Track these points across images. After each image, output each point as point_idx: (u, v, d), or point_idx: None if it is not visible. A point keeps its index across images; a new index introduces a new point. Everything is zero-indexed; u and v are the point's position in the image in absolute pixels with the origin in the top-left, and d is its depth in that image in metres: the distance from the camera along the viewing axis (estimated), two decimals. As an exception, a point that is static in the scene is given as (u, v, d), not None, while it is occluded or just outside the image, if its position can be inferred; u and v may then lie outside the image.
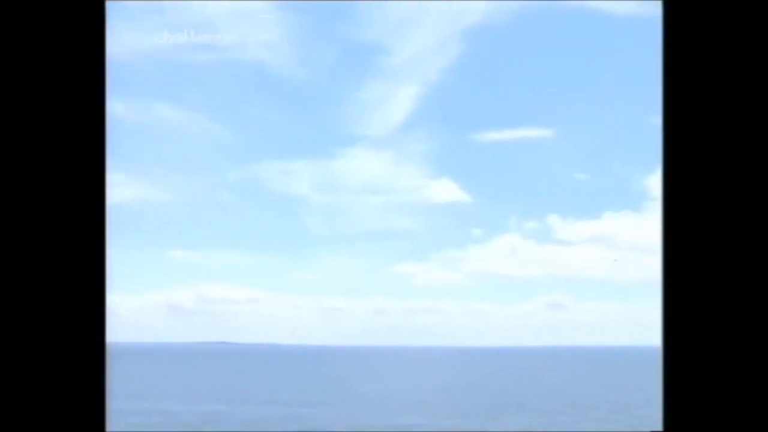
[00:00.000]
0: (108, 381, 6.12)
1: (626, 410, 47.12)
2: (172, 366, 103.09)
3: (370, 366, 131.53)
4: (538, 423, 41.17)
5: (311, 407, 47.00)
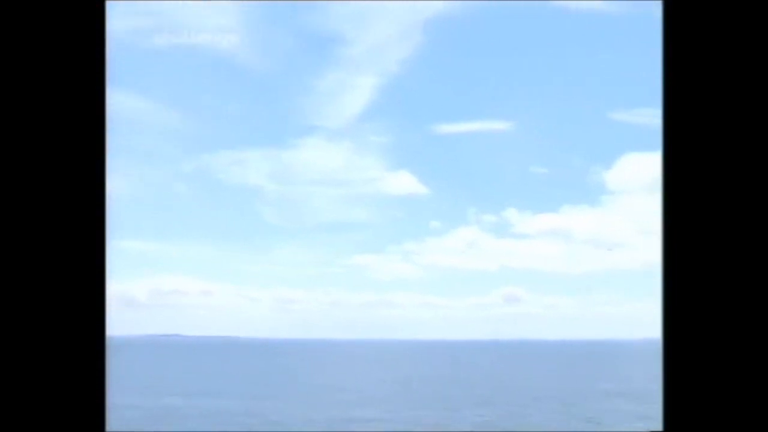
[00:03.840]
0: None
1: (581, 403, 47.58)
2: (124, 359, 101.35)
3: (326, 359, 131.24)
4: (494, 414, 41.31)
5: (265, 400, 46.53)
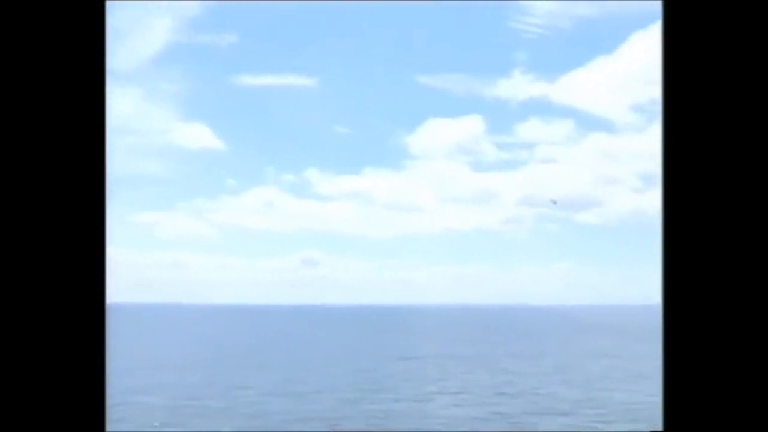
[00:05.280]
0: None
1: (376, 369, 47.32)
2: None
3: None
4: (279, 379, 40.04)
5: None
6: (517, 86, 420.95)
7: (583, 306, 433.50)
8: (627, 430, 21.78)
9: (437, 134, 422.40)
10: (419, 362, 53.24)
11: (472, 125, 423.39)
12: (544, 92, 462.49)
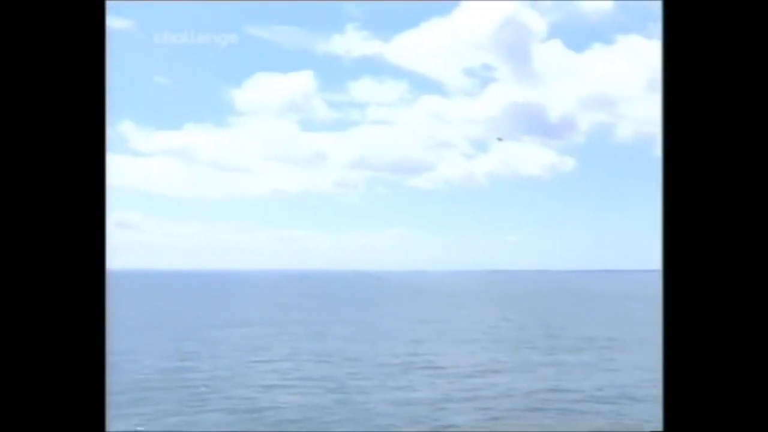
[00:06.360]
0: None
1: (195, 336, 45.48)
2: None
3: None
4: None
5: None
6: (351, 43, 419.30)
7: (414, 272, 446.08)
8: (627, 430, 22.03)
9: (265, 90, 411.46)
10: (243, 329, 51.63)
11: (302, 81, 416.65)
12: (378, 51, 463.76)
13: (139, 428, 21.28)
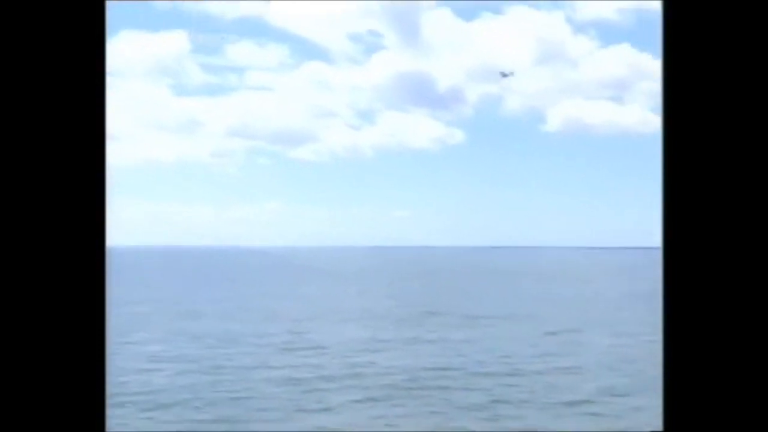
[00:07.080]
0: None
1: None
2: None
3: None
4: None
5: None
6: (228, 2, 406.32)
7: (296, 248, 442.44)
8: (627, 430, 21.50)
9: (133, 50, 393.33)
10: (112, 310, 48.58)
11: (174, 42, 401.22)
12: (259, 12, 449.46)
13: (138, 428, 20.77)
